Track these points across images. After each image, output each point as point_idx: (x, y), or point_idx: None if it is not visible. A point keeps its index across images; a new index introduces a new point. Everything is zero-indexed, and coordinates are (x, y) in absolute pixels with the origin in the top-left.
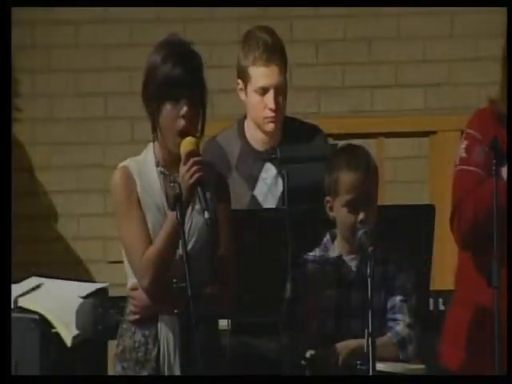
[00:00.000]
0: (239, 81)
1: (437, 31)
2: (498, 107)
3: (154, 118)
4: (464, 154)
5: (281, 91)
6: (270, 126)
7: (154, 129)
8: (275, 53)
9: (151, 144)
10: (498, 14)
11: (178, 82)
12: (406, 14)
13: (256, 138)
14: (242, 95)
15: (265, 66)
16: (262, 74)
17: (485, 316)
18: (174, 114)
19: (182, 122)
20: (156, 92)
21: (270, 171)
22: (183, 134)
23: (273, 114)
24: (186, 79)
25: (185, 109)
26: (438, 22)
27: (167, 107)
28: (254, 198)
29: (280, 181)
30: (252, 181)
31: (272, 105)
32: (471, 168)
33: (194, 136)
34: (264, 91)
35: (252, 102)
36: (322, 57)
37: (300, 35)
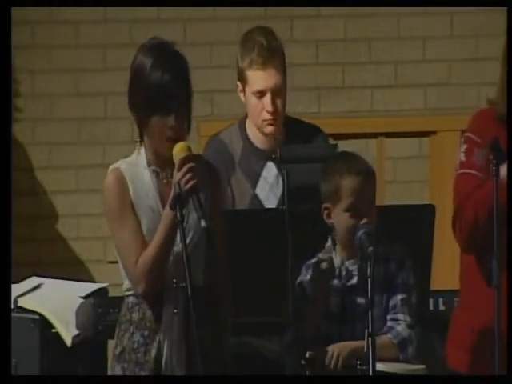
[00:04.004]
0: (238, 83)
1: (436, 31)
2: (498, 108)
3: (140, 126)
4: (463, 158)
5: (279, 93)
6: (269, 129)
7: (141, 135)
8: (272, 54)
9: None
10: (498, 14)
11: (165, 94)
12: (406, 13)
13: (257, 137)
14: (242, 97)
15: (261, 69)
16: (258, 78)
17: (489, 318)
18: (161, 124)
19: (170, 132)
20: (143, 103)
21: (271, 170)
22: (172, 140)
23: (271, 117)
24: (173, 90)
25: (173, 120)
26: (437, 22)
27: (155, 118)
28: (255, 196)
29: (281, 180)
30: (254, 179)
31: (269, 108)
32: (470, 171)
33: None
34: (261, 94)
35: (250, 104)
36: (322, 57)
37: (300, 35)
